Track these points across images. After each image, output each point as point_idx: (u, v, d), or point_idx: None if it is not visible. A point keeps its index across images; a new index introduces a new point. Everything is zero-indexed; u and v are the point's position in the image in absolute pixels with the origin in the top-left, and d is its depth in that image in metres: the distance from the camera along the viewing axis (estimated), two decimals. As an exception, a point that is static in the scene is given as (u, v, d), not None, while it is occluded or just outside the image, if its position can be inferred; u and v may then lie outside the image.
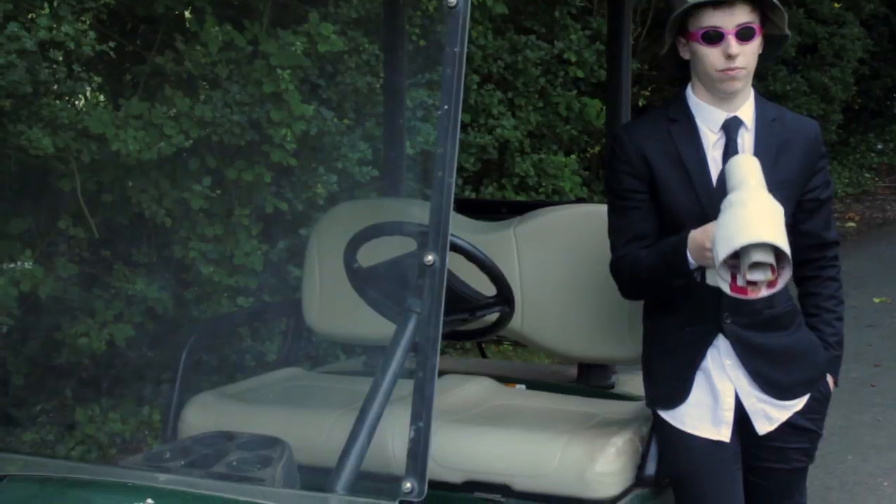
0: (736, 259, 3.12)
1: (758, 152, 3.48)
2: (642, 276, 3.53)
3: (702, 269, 3.37)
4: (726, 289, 3.17)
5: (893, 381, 8.32)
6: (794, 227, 3.58)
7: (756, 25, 3.42)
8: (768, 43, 3.52)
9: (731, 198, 3.20)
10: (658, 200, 3.53)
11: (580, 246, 4.33)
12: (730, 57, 3.37)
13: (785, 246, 3.05)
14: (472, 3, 9.04)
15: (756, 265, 3.08)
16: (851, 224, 14.41)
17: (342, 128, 7.26)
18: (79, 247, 6.51)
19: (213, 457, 3.12)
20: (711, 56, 3.40)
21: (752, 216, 3.10)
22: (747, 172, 3.26)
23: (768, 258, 3.06)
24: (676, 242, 3.40)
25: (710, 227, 3.25)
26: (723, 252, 3.09)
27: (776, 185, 3.44)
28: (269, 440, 3.22)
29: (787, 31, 3.53)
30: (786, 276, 3.11)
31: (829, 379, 3.71)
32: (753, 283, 3.13)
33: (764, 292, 3.14)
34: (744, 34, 3.39)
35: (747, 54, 3.40)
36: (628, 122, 4.53)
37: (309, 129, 6.80)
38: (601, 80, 10.51)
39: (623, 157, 3.55)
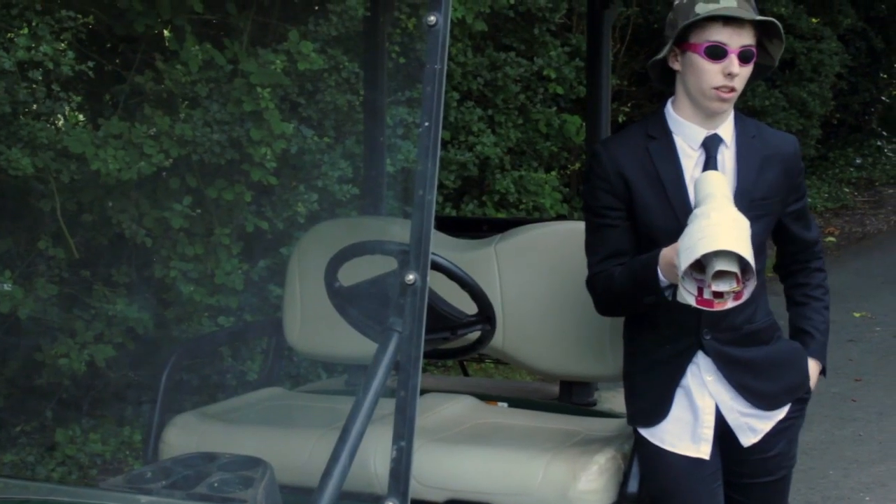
0: (702, 273, 3.12)
1: (739, 169, 3.49)
2: (615, 292, 3.52)
3: (673, 287, 3.36)
4: (691, 301, 3.17)
5: (874, 395, 8.35)
6: (776, 237, 3.62)
7: (755, 50, 3.43)
8: (753, 71, 3.53)
9: (696, 211, 3.21)
10: (635, 218, 3.52)
11: (561, 263, 4.33)
12: (729, 75, 3.37)
13: (749, 256, 3.06)
14: (452, 21, 9.04)
15: (721, 275, 3.08)
16: (831, 239, 14.45)
17: (322, 146, 7.26)
18: (58, 267, 6.48)
19: (195, 478, 3.10)
20: (710, 72, 3.39)
21: (716, 227, 3.10)
22: (714, 188, 3.27)
23: (732, 267, 3.07)
24: (647, 260, 3.40)
25: (673, 253, 3.25)
26: (685, 261, 3.09)
27: (757, 202, 3.46)
28: (250, 461, 3.20)
29: (775, 64, 3.55)
30: (751, 286, 3.11)
31: (815, 366, 3.72)
32: (720, 296, 3.14)
33: (730, 304, 3.15)
34: (745, 56, 3.39)
35: (743, 77, 3.41)
36: (606, 138, 4.52)
37: (289, 148, 6.80)
38: (581, 96, 10.53)
39: (600, 174, 3.54)
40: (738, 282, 3.09)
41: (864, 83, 19.27)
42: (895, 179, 18.51)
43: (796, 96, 15.64)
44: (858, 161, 19.12)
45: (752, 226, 3.37)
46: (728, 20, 3.36)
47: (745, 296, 3.12)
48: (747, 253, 3.06)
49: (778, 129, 3.79)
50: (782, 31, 3.45)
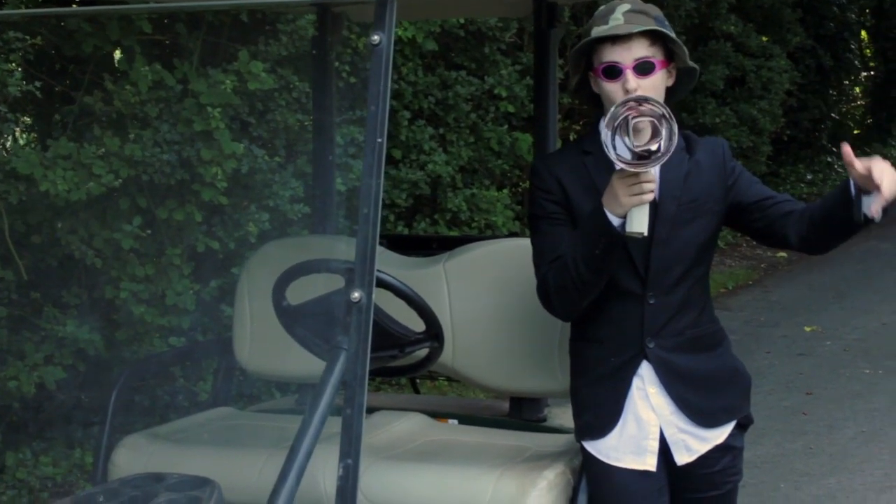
0: (630, 162, 3.19)
1: (664, 179, 3.51)
2: (569, 270, 3.45)
3: (622, 223, 3.34)
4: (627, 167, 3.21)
5: (825, 409, 8.41)
6: (743, 215, 3.62)
7: (657, 60, 3.46)
8: (682, 76, 3.58)
9: None
10: (575, 228, 3.55)
11: (510, 280, 4.35)
12: (627, 92, 3.41)
13: (652, 98, 3.18)
14: (403, 40, 9.07)
15: (647, 138, 3.18)
16: (782, 254, 14.53)
17: (273, 165, 7.25)
18: (7, 289, 6.44)
19: (142, 499, 3.09)
20: (612, 90, 3.45)
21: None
22: None
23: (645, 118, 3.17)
24: (592, 210, 3.39)
25: (613, 179, 3.28)
26: (607, 129, 3.17)
27: (686, 205, 3.54)
28: (198, 481, 3.20)
29: (692, 64, 3.58)
30: (667, 130, 3.16)
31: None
32: (646, 157, 3.19)
33: (661, 154, 3.18)
34: (642, 68, 3.44)
35: (646, 88, 3.43)
36: (544, 154, 4.57)
37: (240, 168, 6.79)
38: (532, 114, 10.54)
39: (542, 186, 3.60)
40: (659, 137, 3.16)
41: (813, 100, 19.48)
42: (845, 195, 18.65)
43: (746, 113, 15.75)
44: (809, 177, 19.31)
45: (686, 228, 3.52)
46: (616, 38, 3.43)
47: (665, 135, 3.15)
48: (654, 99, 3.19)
49: (706, 137, 3.82)
50: (672, 33, 3.49)
